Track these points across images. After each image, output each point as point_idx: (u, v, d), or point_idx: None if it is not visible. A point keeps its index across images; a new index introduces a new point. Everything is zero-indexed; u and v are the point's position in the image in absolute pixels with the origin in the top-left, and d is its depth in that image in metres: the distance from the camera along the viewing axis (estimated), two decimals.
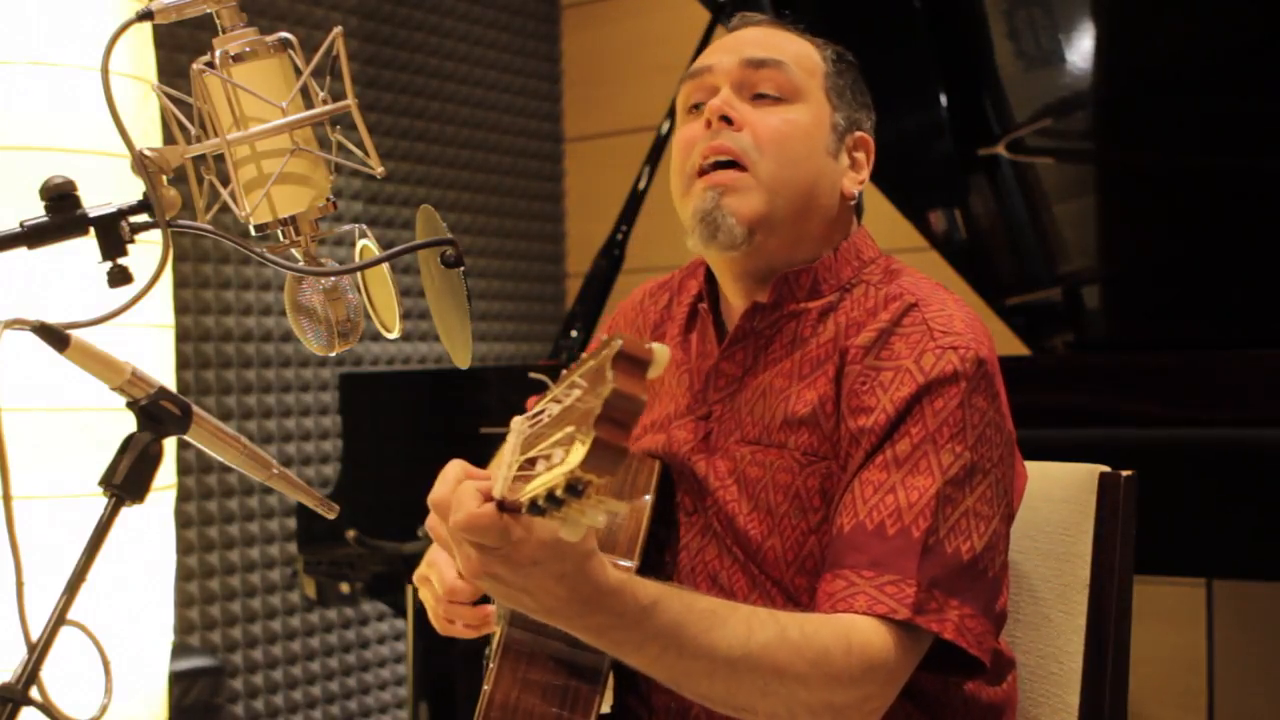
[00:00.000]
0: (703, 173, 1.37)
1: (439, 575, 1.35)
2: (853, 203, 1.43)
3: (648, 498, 1.34)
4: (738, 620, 1.14)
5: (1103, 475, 1.45)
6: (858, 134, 1.45)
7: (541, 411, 0.94)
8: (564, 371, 0.92)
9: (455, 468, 1.07)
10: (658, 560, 1.37)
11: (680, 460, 1.40)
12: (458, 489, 1.01)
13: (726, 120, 1.37)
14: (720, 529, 1.35)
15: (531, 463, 0.90)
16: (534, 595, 1.04)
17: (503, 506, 0.97)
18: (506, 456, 0.97)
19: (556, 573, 1.02)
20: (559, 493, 0.85)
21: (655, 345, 0.85)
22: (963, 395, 1.26)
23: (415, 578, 1.40)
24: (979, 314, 1.36)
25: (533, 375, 1.02)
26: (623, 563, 1.28)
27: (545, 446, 0.89)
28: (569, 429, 0.85)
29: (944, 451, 1.24)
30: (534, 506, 0.89)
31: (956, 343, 1.28)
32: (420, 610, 2.84)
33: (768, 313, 1.39)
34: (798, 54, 1.42)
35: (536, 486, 0.88)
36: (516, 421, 0.98)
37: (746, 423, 1.36)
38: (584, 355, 0.89)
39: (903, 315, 1.32)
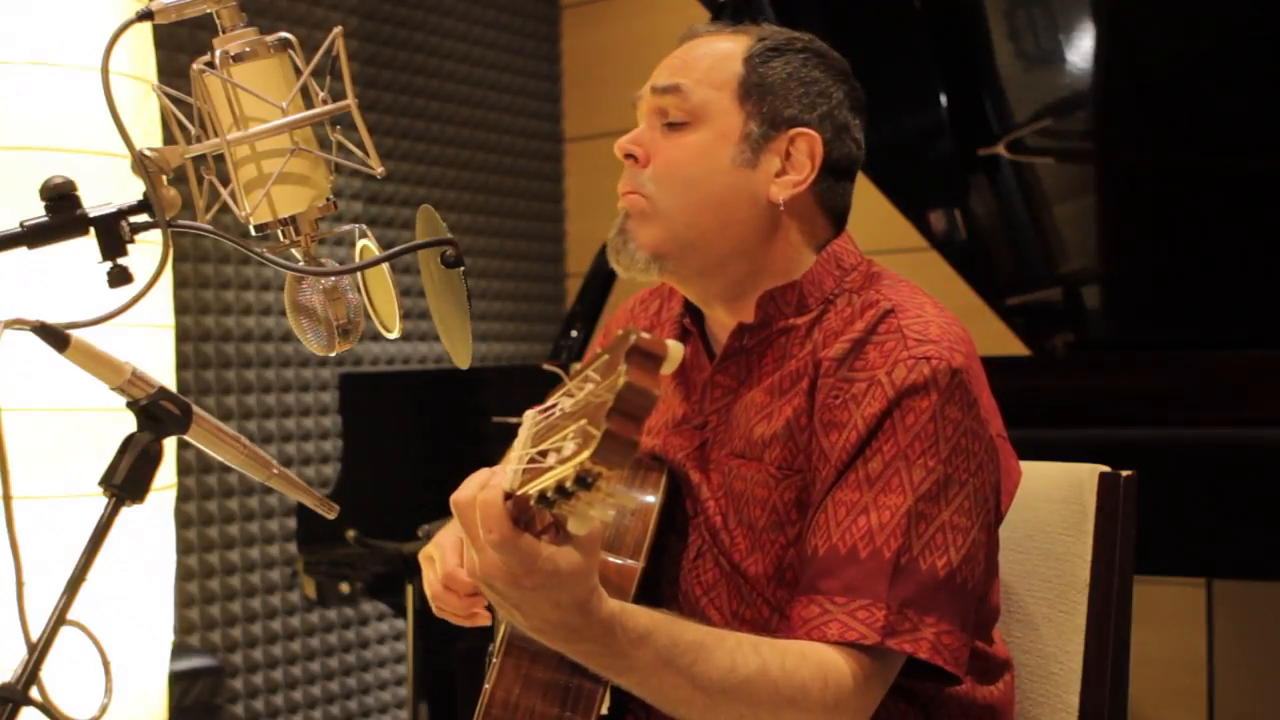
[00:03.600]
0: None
1: (441, 558, 1.37)
2: (780, 208, 1.34)
3: (655, 500, 1.34)
4: (723, 653, 1.15)
5: (1103, 475, 1.44)
6: (792, 132, 1.35)
7: (554, 405, 0.94)
8: (575, 366, 0.92)
9: (482, 474, 1.05)
10: (662, 563, 1.37)
11: (675, 468, 1.40)
12: (479, 495, 1.00)
13: (633, 158, 1.39)
14: (709, 539, 1.36)
15: (542, 455, 0.90)
16: (525, 614, 1.05)
17: (510, 499, 0.97)
18: (517, 449, 0.97)
19: (552, 600, 1.03)
20: (568, 484, 0.85)
21: (670, 341, 0.85)
22: (934, 408, 1.24)
23: (420, 555, 1.41)
24: (959, 318, 1.34)
25: (546, 367, 1.02)
26: (629, 563, 1.29)
27: (556, 439, 0.88)
28: (581, 422, 0.85)
29: (915, 467, 1.23)
30: (542, 499, 0.89)
31: (930, 352, 1.26)
32: (420, 610, 2.85)
33: (755, 331, 1.37)
34: (707, 69, 1.36)
35: (546, 479, 0.88)
36: (529, 414, 0.98)
37: (735, 436, 1.36)
38: (598, 349, 0.89)
39: (878, 322, 1.30)
